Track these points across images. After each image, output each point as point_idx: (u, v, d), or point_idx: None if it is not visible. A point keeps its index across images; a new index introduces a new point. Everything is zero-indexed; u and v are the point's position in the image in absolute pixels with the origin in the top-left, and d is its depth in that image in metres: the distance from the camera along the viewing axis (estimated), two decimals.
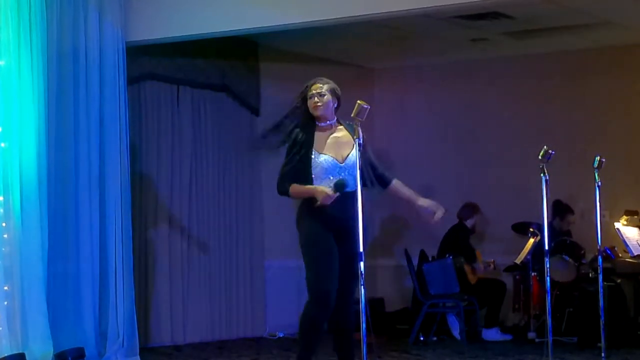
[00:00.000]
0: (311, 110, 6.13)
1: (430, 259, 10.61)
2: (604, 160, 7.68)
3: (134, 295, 8.94)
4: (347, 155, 6.06)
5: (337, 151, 6.07)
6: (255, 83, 10.68)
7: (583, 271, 10.20)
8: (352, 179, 5.92)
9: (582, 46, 10.88)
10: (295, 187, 6.03)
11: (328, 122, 6.14)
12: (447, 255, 10.41)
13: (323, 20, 8.50)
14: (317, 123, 6.14)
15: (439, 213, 6.23)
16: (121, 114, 8.91)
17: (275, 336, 10.57)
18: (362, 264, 5.51)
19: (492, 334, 10.38)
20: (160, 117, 9.90)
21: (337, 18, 8.42)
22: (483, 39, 10.72)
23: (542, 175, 6.94)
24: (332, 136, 6.12)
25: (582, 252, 10.39)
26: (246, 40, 10.32)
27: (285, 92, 10.94)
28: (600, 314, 7.66)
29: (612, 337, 8.80)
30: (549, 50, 11.05)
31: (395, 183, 6.29)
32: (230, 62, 10.43)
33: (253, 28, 8.89)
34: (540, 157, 6.94)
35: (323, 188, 5.94)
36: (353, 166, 5.90)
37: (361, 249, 5.54)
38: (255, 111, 10.66)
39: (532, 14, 9.60)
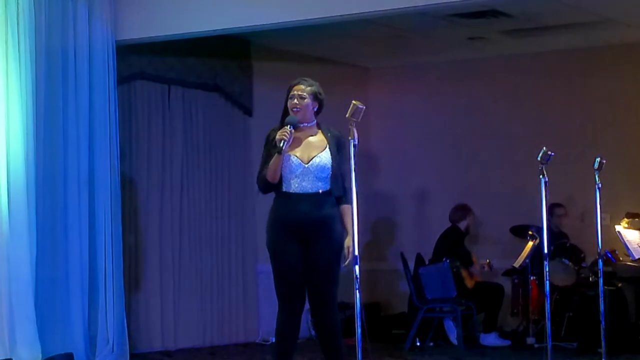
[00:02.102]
0: (290, 111, 6.21)
1: (426, 262, 10.64)
2: (604, 161, 7.71)
3: (124, 300, 8.97)
4: (313, 157, 6.15)
5: (304, 152, 6.17)
6: (248, 82, 10.70)
7: (583, 275, 10.23)
8: (316, 182, 6.11)
9: (582, 45, 10.90)
10: (265, 171, 6.16)
11: (305, 124, 6.23)
12: (443, 259, 10.43)
13: (317, 18, 8.51)
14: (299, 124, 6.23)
15: (346, 262, 6.27)
16: (111, 115, 8.93)
17: (268, 341, 10.57)
18: (357, 267, 5.54)
19: (490, 339, 10.41)
20: (150, 118, 9.91)
21: (331, 16, 8.43)
22: (481, 38, 10.74)
23: (541, 177, 6.96)
24: (307, 139, 6.21)
25: (582, 255, 10.42)
26: (239, 38, 10.34)
27: (278, 91, 10.95)
28: (601, 318, 7.68)
29: (613, 342, 8.82)
30: (548, 49, 11.08)
31: (345, 208, 6.27)
32: (223, 61, 10.45)
33: (246, 26, 8.90)
34: (539, 159, 6.96)
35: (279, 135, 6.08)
36: (318, 169, 6.12)
37: (356, 253, 5.57)
38: (248, 111, 10.68)
39: (532, 12, 9.63)
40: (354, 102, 5.62)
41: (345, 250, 6.20)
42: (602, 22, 9.97)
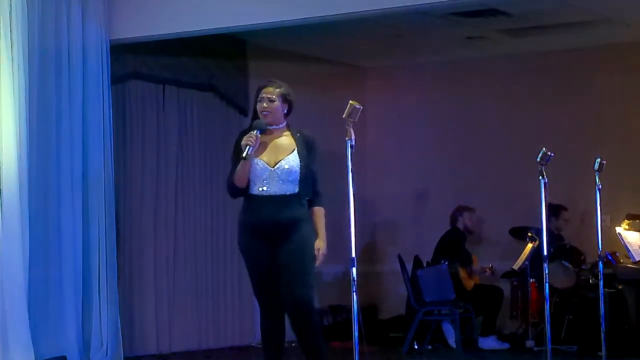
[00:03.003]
0: (259, 114, 6.23)
1: (424, 264, 10.65)
2: (604, 162, 7.71)
3: (118, 302, 8.97)
4: (280, 160, 6.17)
5: (271, 156, 6.19)
6: (243, 82, 10.70)
7: (583, 277, 10.24)
8: (282, 185, 6.13)
9: (582, 44, 10.91)
10: (233, 176, 6.16)
11: (275, 126, 6.25)
12: (442, 261, 10.44)
13: (314, 17, 8.52)
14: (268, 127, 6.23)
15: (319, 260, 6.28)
16: (105, 115, 8.94)
17: None
18: (354, 270, 5.54)
19: (488, 343, 10.42)
20: (145, 118, 9.91)
21: (328, 15, 8.44)
22: (480, 37, 10.76)
23: (540, 178, 6.97)
24: (274, 141, 6.23)
25: (582, 257, 10.44)
26: (234, 38, 10.35)
27: None
28: (601, 321, 7.69)
29: (613, 345, 8.83)
30: (547, 48, 11.10)
31: (316, 210, 6.30)
32: (218, 60, 10.46)
33: (241, 25, 8.91)
34: (538, 159, 6.96)
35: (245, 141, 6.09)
36: (285, 172, 6.14)
37: (353, 254, 5.57)
38: (244, 112, 10.67)
39: (531, 11, 9.65)
40: (351, 102, 5.62)
41: (316, 251, 6.20)
42: (601, 21, 9.99)
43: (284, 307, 6.23)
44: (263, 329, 6.42)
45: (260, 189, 6.14)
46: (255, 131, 6.10)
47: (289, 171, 6.16)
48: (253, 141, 6.05)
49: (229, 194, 6.33)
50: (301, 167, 6.18)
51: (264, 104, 6.23)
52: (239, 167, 6.13)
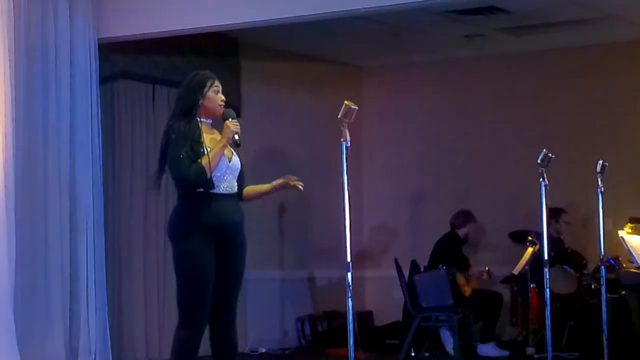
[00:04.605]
0: (215, 108, 6.09)
1: (421, 269, 10.65)
2: (607, 164, 7.72)
3: (107, 309, 8.97)
4: (232, 155, 6.04)
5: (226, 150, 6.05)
6: (235, 82, 10.70)
7: (585, 282, 10.26)
8: (233, 181, 5.99)
9: (584, 42, 10.92)
10: (204, 159, 5.86)
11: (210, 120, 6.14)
12: (439, 266, 10.45)
13: (308, 15, 8.52)
14: (201, 119, 6.06)
15: (290, 179, 6.14)
16: (93, 115, 8.95)
17: (257, 352, 10.60)
18: (349, 274, 5.55)
19: (487, 349, 10.43)
20: (134, 118, 9.91)
21: (323, 13, 8.44)
22: (479, 35, 10.78)
23: (541, 180, 6.98)
24: (211, 136, 6.06)
25: (584, 262, 10.45)
26: (226, 36, 10.36)
27: (267, 91, 11.12)
28: (604, 328, 7.70)
29: (616, 352, 8.85)
30: (548, 47, 11.11)
31: (246, 190, 6.19)
32: (210, 60, 10.43)
33: (233, 24, 8.91)
34: (539, 161, 6.97)
35: (227, 129, 5.93)
36: (236, 168, 6.01)
37: (349, 259, 5.57)
38: (236, 112, 10.66)
39: (531, 9, 9.67)
40: (346, 102, 5.62)
41: (280, 182, 6.10)
42: (604, 18, 10.00)
43: (212, 315, 5.99)
44: (189, 344, 5.99)
45: (221, 185, 5.94)
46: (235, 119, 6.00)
47: (237, 167, 6.05)
48: (238, 129, 5.95)
49: (187, 184, 5.91)
50: (242, 163, 6.09)
51: (222, 96, 6.15)
52: (216, 155, 5.86)
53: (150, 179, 9.86)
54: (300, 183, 6.10)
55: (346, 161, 5.55)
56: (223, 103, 6.16)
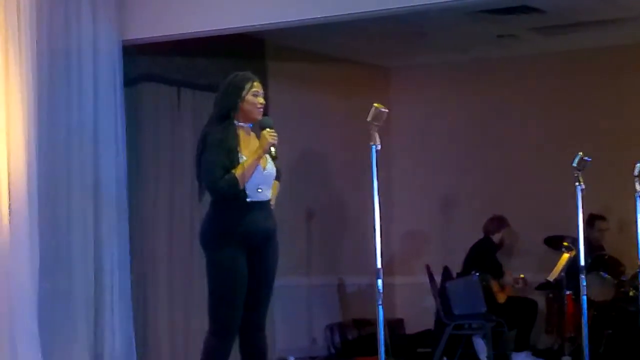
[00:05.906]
0: (253, 111, 6.10)
1: (454, 276, 10.64)
2: None
3: (132, 316, 8.99)
4: (267, 165, 6.05)
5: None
6: (262, 84, 10.69)
7: (622, 289, 10.21)
8: (268, 189, 6.02)
9: (619, 42, 10.90)
10: (239, 169, 5.88)
11: (250, 124, 6.14)
12: (472, 272, 10.43)
13: (335, 16, 8.53)
14: (240, 123, 6.08)
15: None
16: (117, 118, 8.98)
17: None
18: (379, 281, 5.56)
19: (522, 359, 10.40)
20: (159, 122, 9.93)
21: (350, 14, 8.45)
22: (510, 35, 10.76)
23: (577, 184, 6.96)
24: (249, 141, 6.08)
25: (622, 268, 10.41)
26: (252, 38, 10.37)
27: (294, 93, 11.13)
28: None
29: None
30: (582, 47, 11.09)
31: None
32: (235, 61, 10.46)
33: (260, 25, 8.92)
34: (575, 165, 6.95)
35: (264, 139, 5.92)
36: (270, 176, 6.04)
37: (379, 265, 5.58)
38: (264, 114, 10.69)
39: (565, 8, 9.64)
40: (375, 105, 5.63)
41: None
42: (638, 17, 9.96)
43: (243, 324, 6.05)
44: (220, 352, 6.04)
45: (255, 194, 5.96)
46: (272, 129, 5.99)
47: (272, 174, 6.08)
48: (276, 140, 5.96)
49: (222, 195, 5.94)
50: (277, 170, 6.12)
51: (261, 99, 6.16)
52: (250, 166, 5.90)
53: (176, 183, 9.96)
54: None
55: (376, 165, 5.56)
56: (262, 106, 6.12)
